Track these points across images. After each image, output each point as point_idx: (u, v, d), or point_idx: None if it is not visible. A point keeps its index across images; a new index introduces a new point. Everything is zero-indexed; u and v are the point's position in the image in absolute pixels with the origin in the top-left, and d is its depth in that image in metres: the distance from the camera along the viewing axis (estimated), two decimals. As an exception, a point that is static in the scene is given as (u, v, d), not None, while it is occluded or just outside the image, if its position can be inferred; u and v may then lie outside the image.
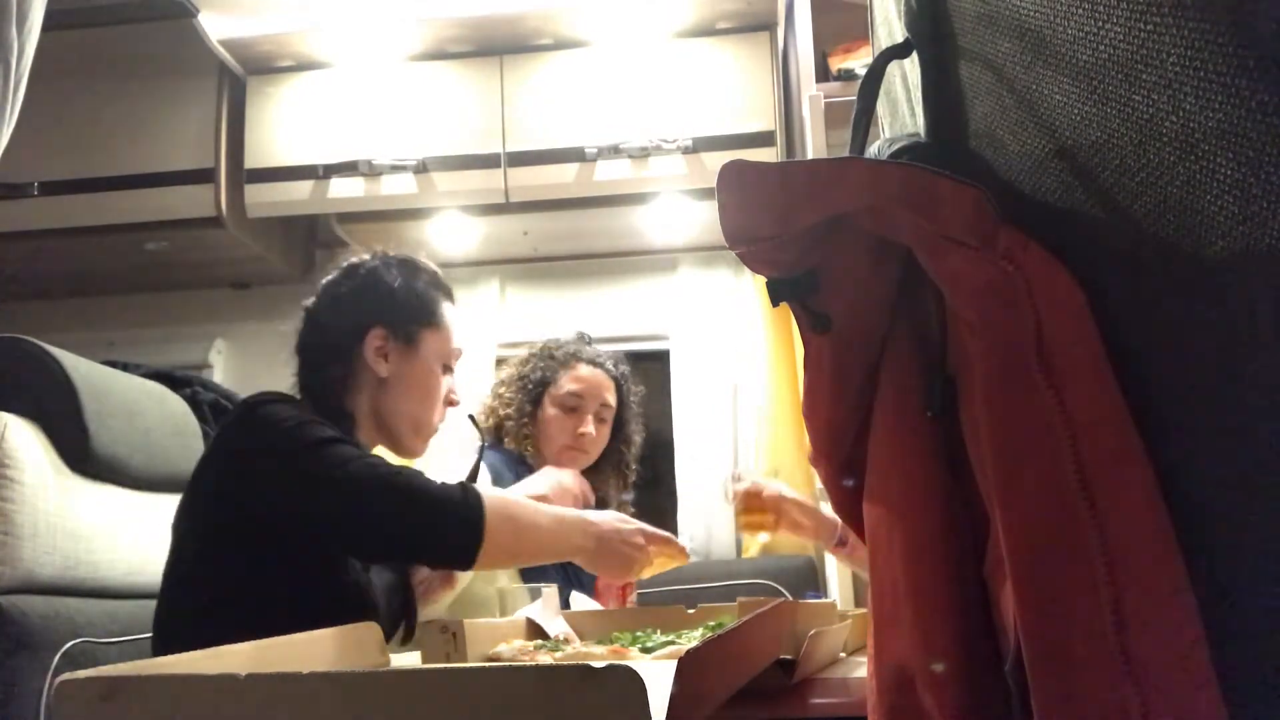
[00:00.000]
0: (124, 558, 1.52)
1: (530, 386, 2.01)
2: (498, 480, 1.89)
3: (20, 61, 1.20)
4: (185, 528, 1.31)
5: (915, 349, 0.62)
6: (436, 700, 0.52)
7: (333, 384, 1.41)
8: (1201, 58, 0.35)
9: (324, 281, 1.48)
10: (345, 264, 1.48)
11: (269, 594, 1.24)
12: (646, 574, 1.49)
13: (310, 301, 1.47)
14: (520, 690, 0.51)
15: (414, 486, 1.23)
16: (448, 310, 1.49)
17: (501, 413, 2.03)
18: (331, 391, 1.40)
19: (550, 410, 1.98)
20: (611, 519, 1.36)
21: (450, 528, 1.23)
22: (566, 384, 1.99)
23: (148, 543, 1.54)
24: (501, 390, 2.07)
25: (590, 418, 1.97)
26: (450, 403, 1.48)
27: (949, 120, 0.61)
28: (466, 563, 1.26)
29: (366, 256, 1.48)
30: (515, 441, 1.98)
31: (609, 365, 2.04)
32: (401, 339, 1.42)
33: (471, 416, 1.67)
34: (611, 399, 2.02)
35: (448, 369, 1.48)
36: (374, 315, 1.42)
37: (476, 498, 1.25)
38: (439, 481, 1.26)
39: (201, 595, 1.27)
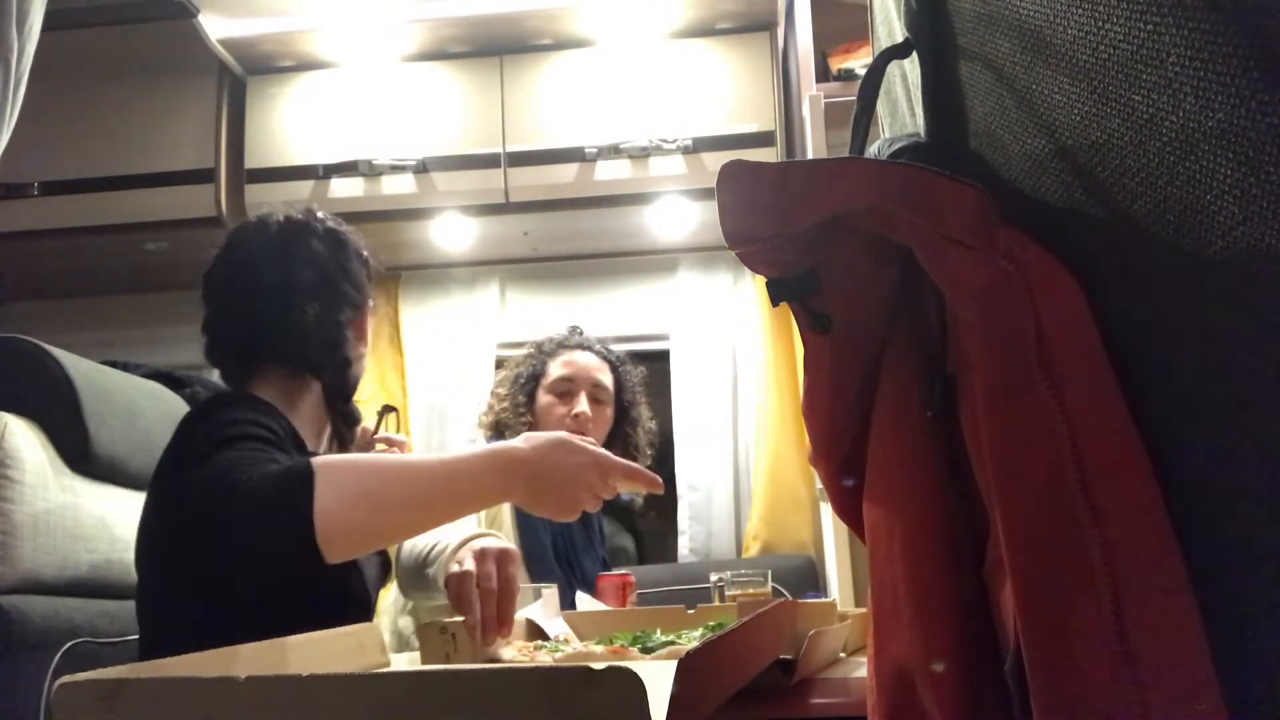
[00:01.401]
0: (124, 558, 1.52)
1: (523, 382, 2.02)
2: None
3: (20, 61, 1.20)
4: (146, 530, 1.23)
5: (915, 349, 0.62)
6: (436, 700, 0.52)
7: (354, 369, 1.37)
8: (1201, 58, 0.35)
9: (274, 266, 1.32)
10: (289, 236, 1.34)
11: (235, 610, 1.09)
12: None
13: (295, 280, 1.31)
14: (520, 691, 0.51)
15: (233, 485, 1.01)
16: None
17: (499, 409, 2.04)
18: (354, 377, 1.37)
19: (544, 399, 1.99)
20: (554, 449, 1.09)
21: (261, 526, 0.99)
22: (556, 370, 2.00)
23: (148, 543, 1.54)
24: (498, 390, 2.09)
25: (583, 397, 1.97)
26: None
27: (949, 120, 0.60)
28: (305, 563, 1.00)
29: (277, 221, 1.35)
30: (515, 435, 1.96)
31: (598, 348, 2.05)
32: (360, 311, 1.39)
33: (387, 408, 1.63)
34: (605, 379, 2.01)
35: None
36: (342, 300, 1.34)
37: (300, 475, 1.00)
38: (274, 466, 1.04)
39: (166, 611, 1.19)
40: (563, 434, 1.12)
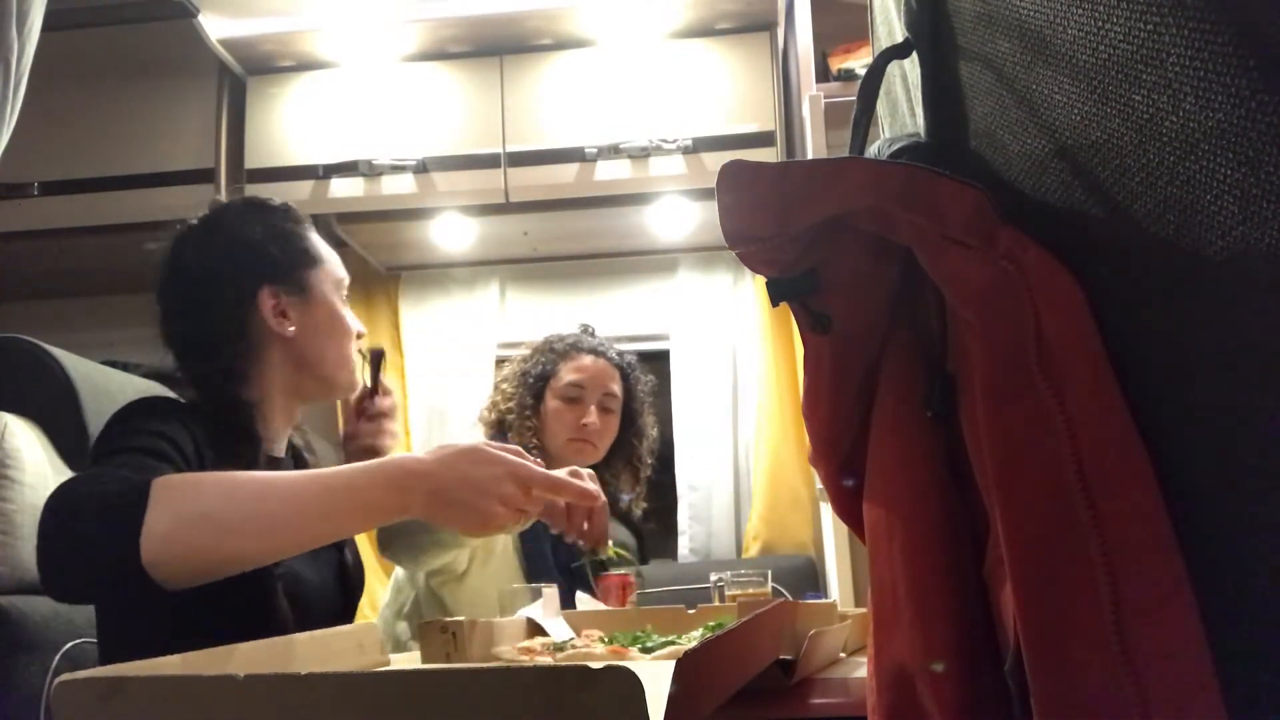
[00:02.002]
0: (124, 558, 1.52)
1: (531, 381, 1.97)
2: None
3: (20, 61, 1.20)
4: None
5: (915, 349, 0.62)
6: (436, 700, 0.52)
7: (236, 365, 1.24)
8: (1201, 58, 0.35)
9: (167, 262, 1.29)
10: (187, 231, 1.30)
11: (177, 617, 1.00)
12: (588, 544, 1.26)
13: (168, 285, 1.28)
14: (519, 691, 0.51)
15: (71, 505, 0.93)
16: (317, 240, 1.36)
17: (503, 407, 1.99)
18: (235, 376, 1.24)
19: (552, 403, 1.94)
20: (460, 459, 1.00)
21: (87, 547, 0.91)
22: (567, 374, 1.95)
23: (148, 543, 1.54)
24: (503, 385, 2.03)
25: (593, 408, 1.93)
26: (359, 333, 1.37)
27: (949, 120, 0.60)
28: (136, 586, 0.91)
29: (207, 217, 1.31)
30: (519, 436, 1.94)
31: (612, 354, 2.00)
32: (294, 289, 1.29)
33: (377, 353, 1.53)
34: (616, 388, 1.97)
35: (343, 298, 1.36)
36: (256, 276, 1.26)
37: (134, 495, 0.91)
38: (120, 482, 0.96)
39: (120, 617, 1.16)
40: (477, 443, 1.03)
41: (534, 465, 1.04)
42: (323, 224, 2.82)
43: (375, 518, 1.03)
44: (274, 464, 1.29)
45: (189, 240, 1.29)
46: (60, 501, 0.93)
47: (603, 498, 1.22)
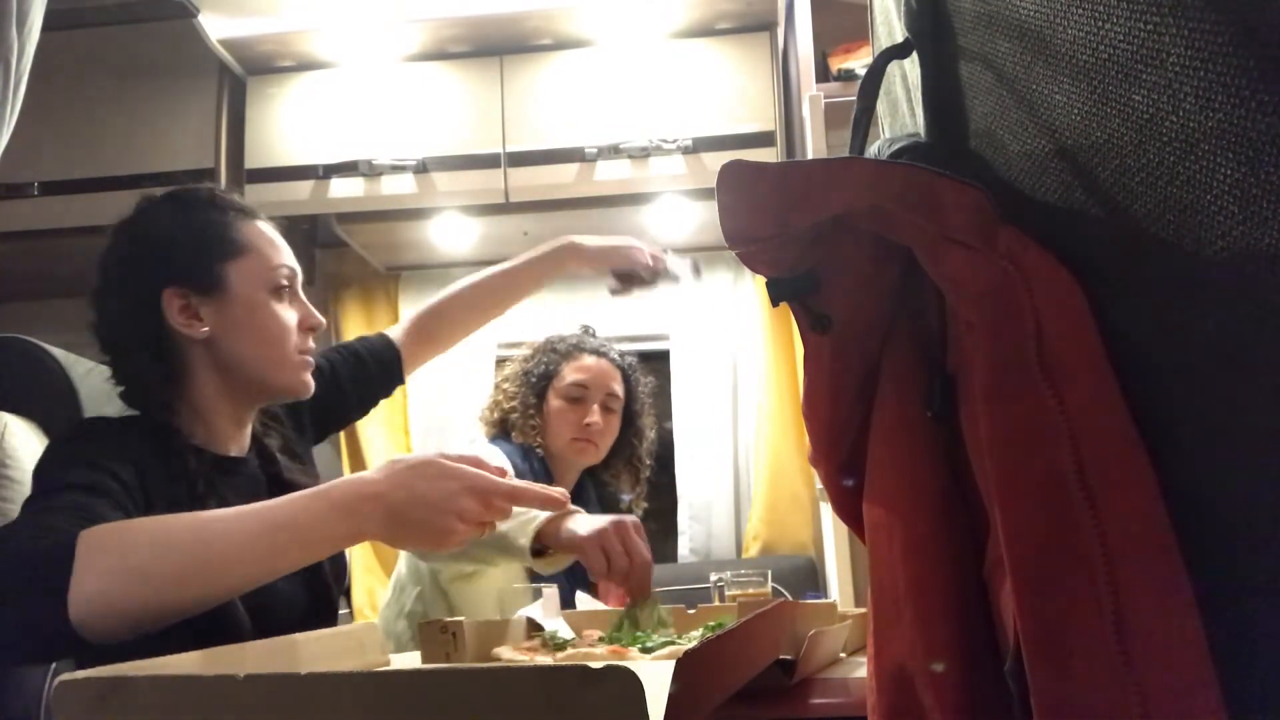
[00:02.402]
0: (124, 558, 1.52)
1: (534, 380, 1.99)
2: (514, 471, 1.87)
3: (20, 61, 1.20)
4: None
5: (915, 349, 0.62)
6: (436, 700, 0.52)
7: (153, 374, 1.16)
8: (1201, 58, 0.35)
9: (98, 260, 1.22)
10: (110, 230, 1.22)
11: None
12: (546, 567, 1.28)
13: (93, 291, 1.21)
14: (519, 691, 0.51)
15: None
16: (249, 229, 1.22)
17: (505, 406, 2.01)
18: (155, 384, 1.16)
19: (555, 403, 1.96)
20: (414, 477, 0.95)
21: (11, 616, 0.86)
22: (570, 374, 1.96)
23: (147, 543, 1.54)
24: (505, 385, 2.04)
25: (596, 408, 1.94)
26: (309, 327, 1.24)
27: (949, 120, 0.60)
28: (67, 648, 0.90)
29: (130, 213, 1.23)
30: (522, 435, 1.95)
31: (614, 355, 2.02)
32: (202, 288, 1.18)
33: None
34: (618, 388, 1.99)
35: (280, 291, 1.22)
36: (158, 277, 1.17)
37: (59, 554, 0.86)
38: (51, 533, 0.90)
39: None
40: (431, 457, 0.97)
41: (492, 475, 0.98)
42: (323, 224, 2.84)
43: (326, 548, 0.97)
44: (231, 464, 1.21)
45: (109, 242, 1.22)
46: None
47: (572, 507, 1.23)
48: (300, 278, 1.26)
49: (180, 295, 1.17)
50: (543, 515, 1.29)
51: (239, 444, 1.25)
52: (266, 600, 1.06)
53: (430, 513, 0.94)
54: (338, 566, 1.30)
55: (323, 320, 1.26)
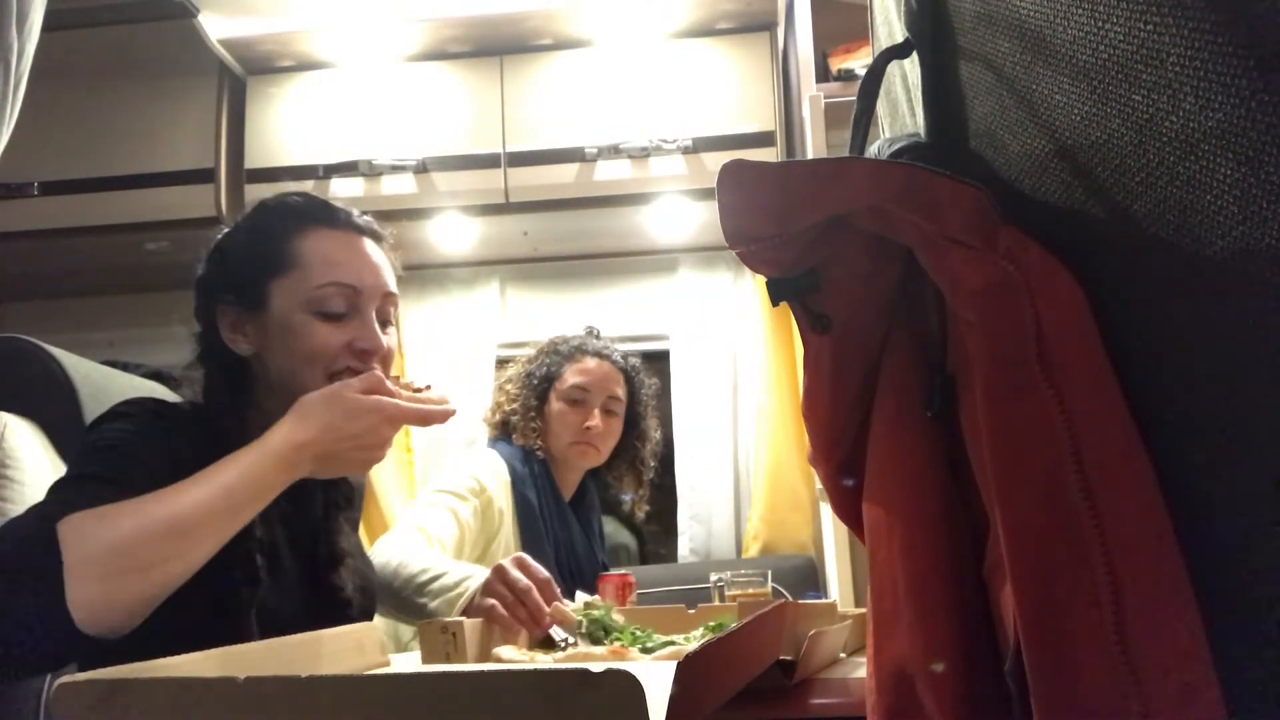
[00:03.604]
0: (124, 558, 1.52)
1: (536, 382, 1.98)
2: (513, 474, 1.87)
3: (20, 61, 1.20)
4: None
5: (915, 349, 0.62)
6: (436, 700, 0.52)
7: (219, 382, 1.18)
8: (1201, 58, 0.35)
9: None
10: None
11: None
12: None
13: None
14: (519, 692, 0.51)
15: None
16: (309, 242, 1.17)
17: (507, 408, 2.00)
18: (223, 397, 1.18)
19: (556, 405, 1.95)
20: (336, 416, 1.01)
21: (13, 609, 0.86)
22: (571, 377, 1.96)
23: (148, 543, 1.53)
24: (508, 386, 2.03)
25: (597, 411, 1.93)
26: (361, 351, 1.15)
27: (949, 120, 0.60)
28: (69, 653, 0.90)
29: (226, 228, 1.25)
30: (523, 438, 1.95)
31: (616, 357, 2.01)
32: (248, 306, 1.16)
33: None
34: (620, 391, 1.98)
35: (329, 314, 1.15)
36: (215, 292, 1.19)
37: (41, 543, 0.87)
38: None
39: None
40: (337, 391, 1.03)
41: (397, 401, 1.05)
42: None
43: (273, 495, 1.01)
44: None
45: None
46: None
47: (482, 571, 1.32)
48: (374, 296, 1.18)
49: (229, 311, 1.18)
50: (468, 592, 1.31)
51: None
52: (278, 623, 1.07)
53: (358, 450, 1.03)
54: (368, 598, 1.28)
55: (381, 347, 1.17)
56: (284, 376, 1.15)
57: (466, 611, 1.28)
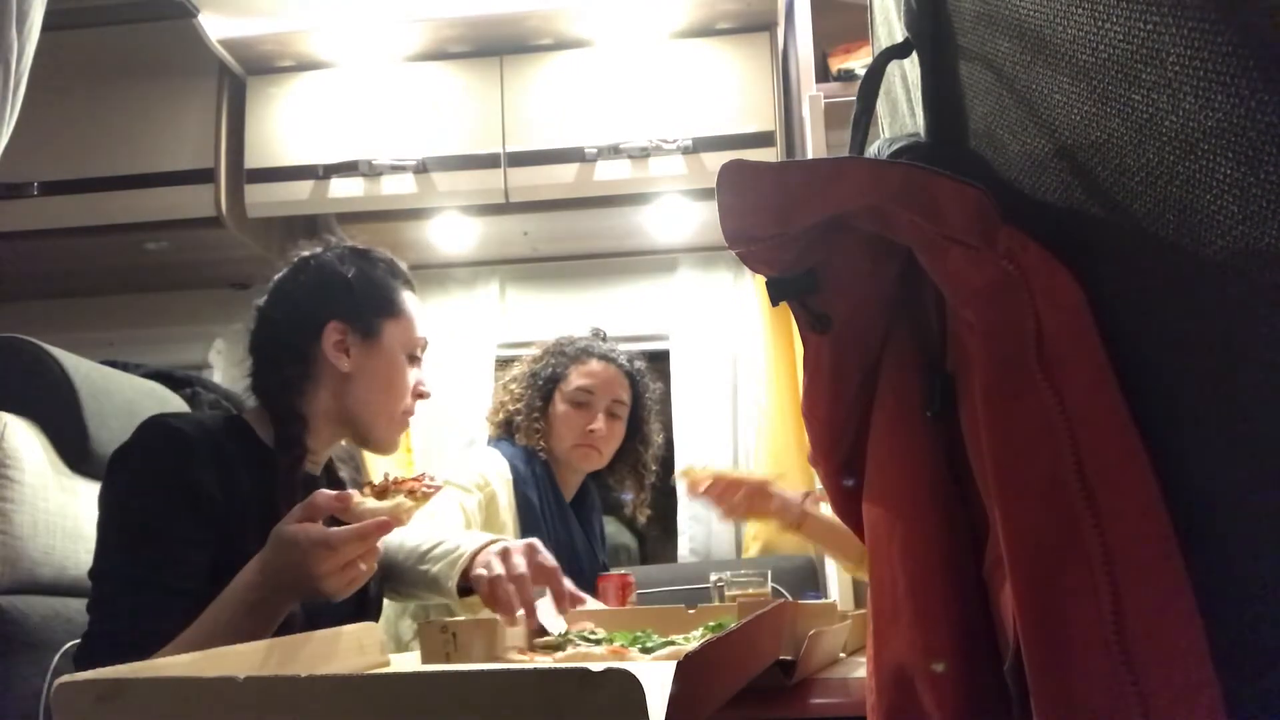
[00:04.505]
0: (124, 558, 1.52)
1: (540, 383, 1.97)
2: (515, 474, 1.87)
3: (20, 61, 1.20)
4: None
5: (915, 349, 0.62)
6: (436, 700, 0.52)
7: (289, 384, 1.32)
8: (1201, 58, 0.35)
9: (275, 278, 1.40)
10: (296, 258, 1.41)
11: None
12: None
13: (263, 300, 1.39)
14: (519, 693, 0.51)
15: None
16: (409, 299, 1.43)
17: (511, 408, 1.99)
18: (288, 391, 1.32)
19: (560, 407, 1.94)
20: (276, 557, 1.06)
21: None
22: (576, 379, 1.95)
23: (148, 543, 1.53)
24: (512, 386, 2.02)
25: (601, 414, 1.92)
26: (419, 394, 1.40)
27: (949, 120, 0.60)
28: None
29: (319, 249, 1.42)
30: (526, 438, 1.94)
31: (622, 360, 2.00)
32: (360, 332, 1.36)
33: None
34: (625, 395, 1.97)
35: (414, 359, 1.40)
36: (330, 309, 1.35)
37: None
38: None
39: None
40: (276, 530, 1.06)
41: (327, 531, 1.04)
42: (323, 224, 2.84)
43: (270, 625, 1.08)
44: (309, 482, 1.31)
45: (294, 266, 1.40)
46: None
47: (494, 537, 1.33)
48: (427, 349, 1.45)
49: (340, 330, 1.34)
50: (468, 551, 1.32)
51: (315, 464, 1.37)
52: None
53: (307, 577, 1.05)
54: (379, 602, 1.41)
55: (431, 393, 1.43)
56: (361, 399, 1.34)
57: (466, 573, 1.30)
